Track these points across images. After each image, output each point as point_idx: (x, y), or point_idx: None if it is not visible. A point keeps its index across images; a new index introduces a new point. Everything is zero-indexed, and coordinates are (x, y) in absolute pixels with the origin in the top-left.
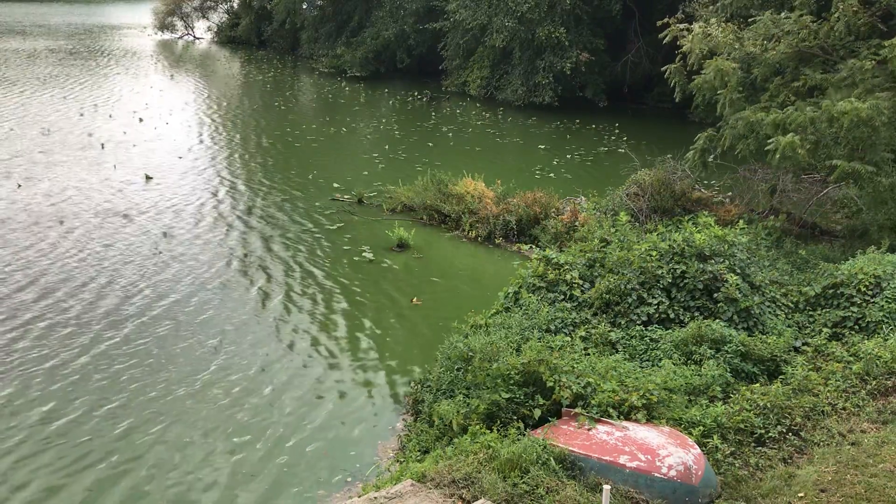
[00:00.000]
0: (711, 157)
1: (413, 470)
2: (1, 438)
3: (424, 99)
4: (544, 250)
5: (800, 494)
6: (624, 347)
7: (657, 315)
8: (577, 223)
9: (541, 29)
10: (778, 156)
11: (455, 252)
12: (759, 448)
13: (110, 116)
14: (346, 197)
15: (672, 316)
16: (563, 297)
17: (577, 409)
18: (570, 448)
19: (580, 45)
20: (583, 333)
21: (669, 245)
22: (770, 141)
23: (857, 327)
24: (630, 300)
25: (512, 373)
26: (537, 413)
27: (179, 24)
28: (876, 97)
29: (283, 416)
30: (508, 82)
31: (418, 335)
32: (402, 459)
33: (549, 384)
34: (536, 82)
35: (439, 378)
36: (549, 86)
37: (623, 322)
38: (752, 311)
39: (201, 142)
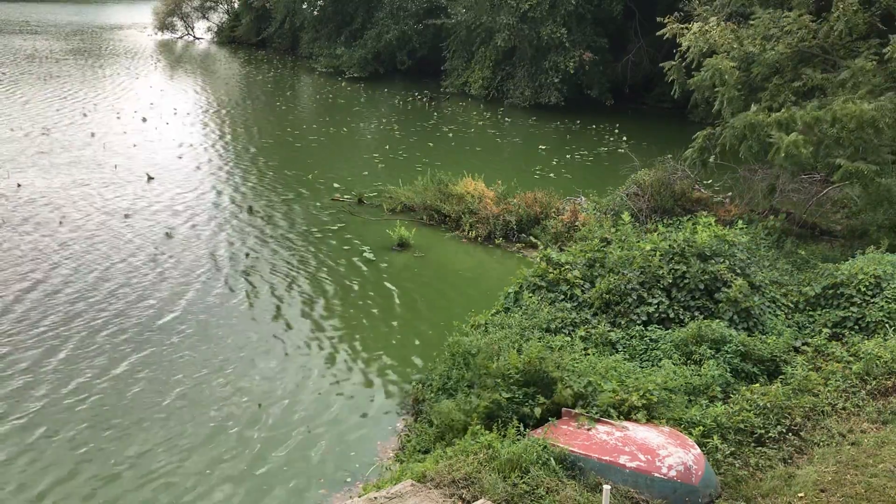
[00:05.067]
0: (711, 157)
1: (413, 470)
2: None
3: (425, 99)
4: (545, 249)
5: (800, 494)
6: (624, 347)
7: (657, 315)
8: (577, 223)
9: (544, 28)
10: (783, 154)
11: (455, 252)
12: (759, 448)
13: (118, 117)
14: (346, 197)
15: (672, 316)
16: (563, 296)
17: (578, 410)
18: (570, 448)
19: (583, 44)
20: (583, 333)
21: (670, 245)
22: (772, 138)
23: (857, 327)
24: (630, 300)
25: (512, 372)
26: (538, 412)
27: (179, 24)
28: (878, 100)
29: (280, 416)
30: (513, 84)
31: (419, 335)
32: (402, 459)
33: (555, 375)
34: (541, 83)
35: (441, 377)
36: (555, 86)
37: (623, 322)
38: (752, 312)
39: (202, 142)
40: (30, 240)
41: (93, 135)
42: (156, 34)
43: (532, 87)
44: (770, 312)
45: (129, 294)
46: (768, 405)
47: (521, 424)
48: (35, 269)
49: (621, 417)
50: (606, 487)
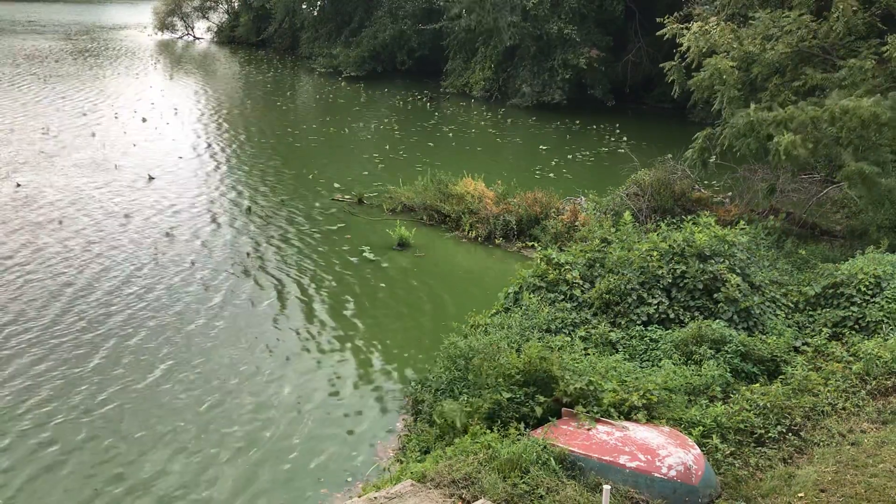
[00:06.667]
0: (712, 157)
1: (413, 470)
2: None
3: (425, 99)
4: (545, 249)
5: (800, 494)
6: (624, 347)
7: (657, 315)
8: (577, 223)
9: (551, 24)
10: (781, 156)
11: (455, 252)
12: (759, 448)
13: (116, 116)
14: (346, 197)
15: (672, 316)
16: (563, 297)
17: (578, 409)
18: (570, 448)
19: (589, 42)
20: (583, 333)
21: (670, 245)
22: (772, 138)
23: (857, 327)
24: (630, 300)
25: (512, 372)
26: (539, 411)
27: (179, 23)
28: (877, 98)
29: (282, 416)
30: (514, 85)
31: (418, 335)
32: (402, 459)
33: (557, 374)
34: (543, 81)
35: (439, 378)
36: (557, 84)
37: (623, 322)
38: (752, 311)
39: (202, 142)
40: (30, 241)
41: (93, 135)
42: (156, 34)
43: (535, 87)
44: (770, 312)
45: (129, 294)
46: (768, 405)
47: (522, 424)
48: (36, 270)
49: (621, 417)
50: (606, 487)
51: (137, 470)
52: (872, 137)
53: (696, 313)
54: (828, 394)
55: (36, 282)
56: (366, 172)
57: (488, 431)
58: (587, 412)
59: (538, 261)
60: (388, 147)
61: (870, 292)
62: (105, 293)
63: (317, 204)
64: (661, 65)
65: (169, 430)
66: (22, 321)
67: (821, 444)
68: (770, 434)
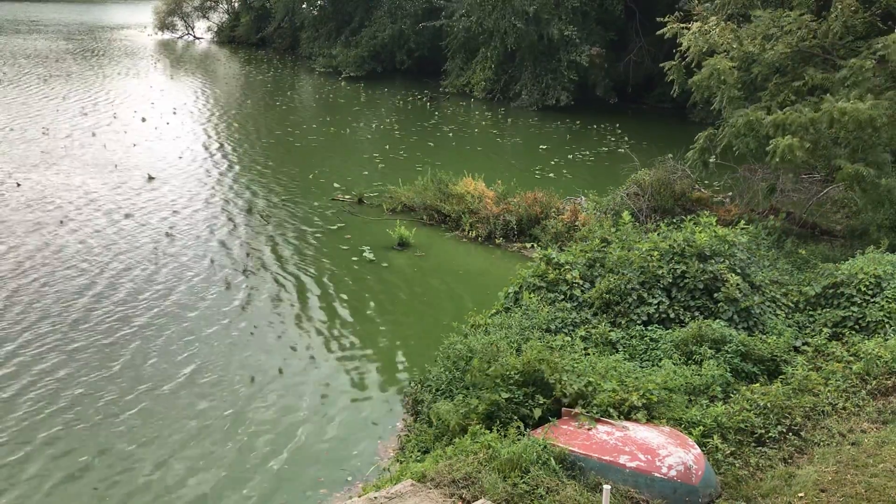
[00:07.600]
0: (712, 157)
1: (413, 470)
2: None
3: (425, 99)
4: (545, 249)
5: (800, 494)
6: (624, 347)
7: (657, 315)
8: (577, 223)
9: (552, 27)
10: (777, 158)
11: (455, 252)
12: (759, 448)
13: (115, 116)
14: (346, 197)
15: (672, 316)
16: (563, 296)
17: (578, 409)
18: (570, 448)
19: (591, 41)
20: (583, 333)
21: (670, 245)
22: (770, 143)
23: (857, 327)
24: (630, 300)
25: (511, 373)
26: (537, 413)
27: (180, 23)
28: (876, 99)
29: (282, 416)
30: (518, 87)
31: (418, 335)
32: (402, 459)
33: (551, 381)
34: (547, 84)
35: (439, 378)
36: (563, 85)
37: (623, 322)
38: (753, 311)
39: (202, 141)
40: (30, 240)
41: (93, 134)
42: (156, 34)
43: (535, 93)
44: (770, 312)
45: (127, 294)
46: (768, 405)
47: (522, 424)
48: (35, 270)
49: (621, 417)
50: (606, 487)
51: (126, 468)
52: (871, 139)
53: (696, 313)
54: (828, 394)
55: (37, 282)
56: (366, 172)
57: (488, 431)
58: (587, 412)
59: (538, 261)
60: (388, 147)
61: (870, 292)
62: (103, 294)
63: (316, 204)
64: (661, 64)
65: (161, 426)
66: (44, 324)
67: (821, 443)
68: (770, 434)
